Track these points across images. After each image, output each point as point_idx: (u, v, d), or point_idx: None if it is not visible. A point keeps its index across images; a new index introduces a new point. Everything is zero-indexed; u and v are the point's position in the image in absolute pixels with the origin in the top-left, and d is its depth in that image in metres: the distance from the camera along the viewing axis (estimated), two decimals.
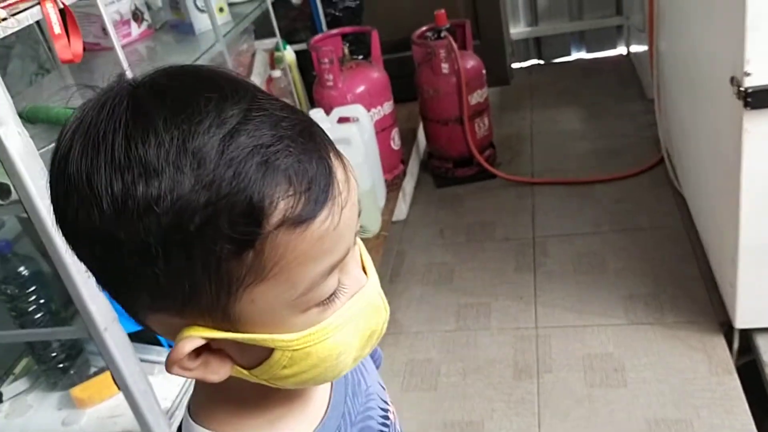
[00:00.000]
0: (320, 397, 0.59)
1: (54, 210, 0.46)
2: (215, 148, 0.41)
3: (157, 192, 0.41)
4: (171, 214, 0.41)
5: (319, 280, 0.46)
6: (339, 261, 0.47)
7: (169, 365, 0.47)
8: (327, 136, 0.48)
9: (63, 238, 0.46)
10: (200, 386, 0.56)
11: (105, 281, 0.47)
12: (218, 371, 0.49)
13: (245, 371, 0.50)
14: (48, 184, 0.46)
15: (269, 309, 0.46)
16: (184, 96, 0.43)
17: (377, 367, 0.76)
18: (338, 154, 0.48)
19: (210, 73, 0.47)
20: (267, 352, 0.48)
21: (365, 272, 0.53)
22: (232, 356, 0.49)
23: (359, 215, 0.50)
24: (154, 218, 0.41)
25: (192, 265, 0.43)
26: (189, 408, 0.56)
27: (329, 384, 0.60)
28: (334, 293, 0.48)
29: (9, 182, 1.20)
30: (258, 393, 0.53)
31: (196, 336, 0.46)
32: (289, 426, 0.56)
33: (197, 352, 0.47)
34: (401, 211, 2.65)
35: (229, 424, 0.54)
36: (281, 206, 0.43)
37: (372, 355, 0.75)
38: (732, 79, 1.52)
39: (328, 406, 0.59)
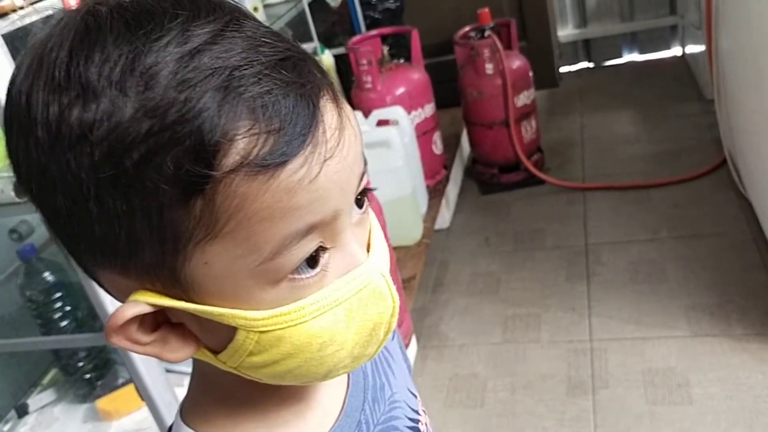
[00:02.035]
0: (332, 401, 0.50)
1: (5, 140, 0.39)
2: (169, 68, 0.34)
3: (92, 116, 0.33)
4: (105, 144, 0.33)
5: (288, 243, 0.37)
6: (318, 223, 0.38)
7: (108, 333, 0.39)
8: (326, 75, 0.39)
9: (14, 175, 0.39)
10: (194, 385, 0.49)
11: (51, 228, 0.39)
12: (177, 351, 0.41)
13: (211, 355, 0.41)
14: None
15: (228, 276, 0.37)
16: (149, 11, 0.35)
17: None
18: (336, 98, 0.39)
19: None
20: (232, 332, 0.39)
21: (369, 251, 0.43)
22: (195, 334, 0.41)
23: (362, 177, 0.40)
24: (87, 149, 0.34)
25: (129, 210, 0.35)
26: (181, 408, 0.48)
27: (344, 387, 0.51)
28: (317, 265, 0.39)
29: None
30: (255, 391, 0.45)
31: (141, 301, 0.38)
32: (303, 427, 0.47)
33: (154, 325, 0.40)
34: (444, 218, 2.54)
35: (221, 428, 0.46)
36: (240, 145, 0.34)
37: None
38: None
39: (340, 413, 0.49)
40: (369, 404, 0.52)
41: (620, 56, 3.60)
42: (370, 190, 0.44)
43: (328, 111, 0.37)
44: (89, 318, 1.61)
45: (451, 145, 2.82)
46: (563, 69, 3.57)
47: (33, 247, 1.52)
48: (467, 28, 2.64)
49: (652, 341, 1.82)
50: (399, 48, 2.74)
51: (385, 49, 2.53)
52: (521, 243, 2.38)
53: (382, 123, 2.25)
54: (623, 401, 1.67)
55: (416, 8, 3.09)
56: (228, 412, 0.46)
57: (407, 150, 2.21)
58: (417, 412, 0.58)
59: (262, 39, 0.36)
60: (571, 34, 3.58)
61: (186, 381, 1.52)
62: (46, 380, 1.75)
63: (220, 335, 0.40)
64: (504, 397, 1.78)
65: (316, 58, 1.93)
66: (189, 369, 1.46)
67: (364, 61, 2.34)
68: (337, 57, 2.80)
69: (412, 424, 0.55)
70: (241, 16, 0.37)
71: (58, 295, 1.53)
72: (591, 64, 3.65)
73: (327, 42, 2.86)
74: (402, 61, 2.64)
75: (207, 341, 0.41)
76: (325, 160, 0.36)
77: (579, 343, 1.88)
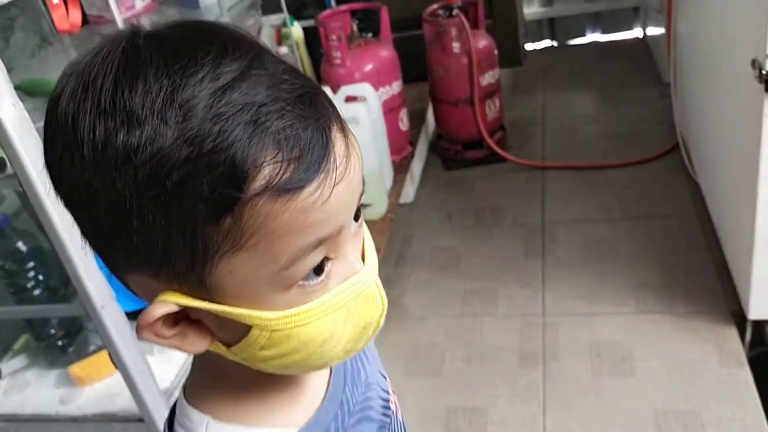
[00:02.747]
0: (318, 385, 0.56)
1: (44, 153, 0.43)
2: (204, 101, 0.39)
3: (137, 141, 0.38)
4: (148, 167, 0.39)
5: (301, 255, 0.43)
6: (326, 237, 0.44)
7: (139, 329, 0.44)
8: (335, 108, 0.45)
9: (51, 185, 0.44)
10: (197, 367, 0.54)
11: (86, 234, 0.44)
12: (195, 344, 0.47)
13: (224, 348, 0.47)
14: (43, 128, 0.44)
15: (248, 282, 0.43)
16: (182, 46, 0.41)
17: None
18: (343, 128, 0.45)
19: (216, 27, 0.44)
20: (246, 329, 0.45)
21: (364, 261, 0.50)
22: (211, 329, 0.47)
23: (361, 196, 0.46)
24: (130, 169, 0.39)
25: (167, 225, 0.40)
26: (184, 389, 0.54)
27: (327, 372, 0.58)
28: (323, 273, 0.45)
29: (4, 155, 1.17)
30: (255, 377, 0.51)
31: (170, 301, 0.44)
32: (285, 413, 0.53)
33: (175, 321, 0.45)
34: (408, 193, 2.61)
35: (224, 408, 0.51)
36: (266, 171, 0.40)
37: None
38: (753, 62, 1.47)
39: (325, 395, 0.56)
40: (349, 387, 0.58)
41: (584, 35, 3.68)
42: (365, 206, 0.51)
43: (338, 141, 0.43)
44: (61, 286, 1.64)
45: (417, 120, 2.88)
46: (528, 47, 3.63)
47: (6, 217, 1.55)
48: (435, 6, 2.68)
49: (600, 317, 1.93)
50: (368, 22, 2.77)
51: (355, 24, 2.56)
52: (482, 219, 2.46)
53: (350, 99, 2.29)
54: (571, 373, 1.78)
55: None
56: (229, 395, 0.51)
57: (374, 126, 2.26)
58: (387, 392, 0.65)
59: (283, 77, 0.42)
60: (537, 12, 3.64)
61: (155, 349, 1.58)
62: (17, 346, 1.78)
63: (235, 331, 0.46)
64: (460, 367, 1.88)
65: (285, 30, 1.99)
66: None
67: (334, 37, 2.37)
68: (306, 29, 2.82)
69: (384, 402, 0.63)
70: (261, 52, 0.43)
71: (30, 264, 1.56)
72: (555, 43, 3.72)
73: (296, 13, 2.88)
74: (371, 35, 2.67)
75: (222, 336, 0.47)
76: (335, 185, 0.42)
77: (532, 317, 1.99)
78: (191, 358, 0.53)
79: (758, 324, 1.73)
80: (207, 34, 0.42)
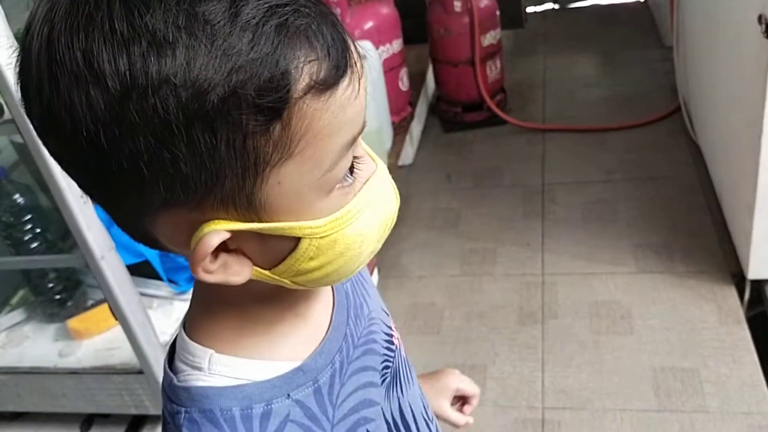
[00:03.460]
0: (321, 318, 0.55)
1: (34, 107, 0.39)
2: (227, 10, 0.37)
3: (172, 62, 0.36)
4: (190, 86, 0.37)
5: (339, 156, 0.43)
6: (358, 134, 0.44)
7: (194, 265, 0.43)
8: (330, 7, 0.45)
9: (46, 141, 0.41)
10: (198, 302, 0.52)
11: (105, 182, 0.41)
12: (239, 272, 0.45)
13: (266, 271, 0.46)
14: (19, 80, 0.40)
15: (295, 192, 0.43)
16: None
17: None
18: (344, 27, 0.44)
19: None
20: (292, 244, 0.45)
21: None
22: (250, 256, 0.46)
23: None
24: (171, 93, 0.37)
25: (216, 144, 0.39)
26: (184, 324, 0.52)
27: (330, 306, 0.57)
28: (352, 175, 0.46)
29: (2, 100, 1.15)
30: (259, 310, 0.50)
31: (220, 229, 0.42)
32: (289, 346, 0.52)
33: (214, 254, 0.44)
34: (408, 154, 2.59)
35: (227, 341, 0.49)
36: (305, 71, 0.39)
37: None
38: (760, 18, 1.45)
39: (329, 328, 0.55)
40: (352, 320, 0.58)
41: None
42: None
43: (347, 38, 0.43)
44: (58, 240, 1.63)
45: (417, 82, 2.85)
46: (529, 9, 3.59)
47: (3, 170, 1.53)
48: None
49: (599, 276, 1.93)
50: None
51: None
52: (481, 181, 2.45)
53: None
54: (570, 330, 1.78)
55: None
56: (232, 328, 0.50)
57: (374, 86, 2.24)
58: (390, 328, 0.65)
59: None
60: None
61: (155, 303, 1.58)
62: (14, 300, 1.77)
63: (278, 251, 0.45)
64: (459, 324, 1.88)
65: None
66: (158, 292, 1.51)
67: None
68: None
69: (387, 338, 0.62)
70: None
71: (28, 217, 1.55)
72: (556, 6, 3.68)
73: None
74: None
75: (263, 260, 0.46)
76: (359, 78, 0.43)
77: (531, 276, 1.99)
78: None
79: (757, 283, 1.73)
80: None
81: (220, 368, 0.49)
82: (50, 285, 1.68)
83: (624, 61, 3.00)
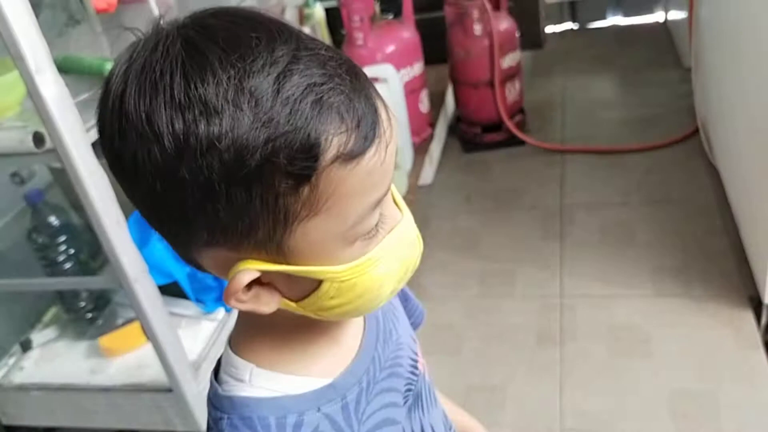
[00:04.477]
0: (352, 341, 0.61)
1: (107, 149, 0.47)
2: (271, 86, 0.43)
3: (219, 130, 0.42)
4: (232, 152, 0.43)
5: (365, 213, 0.49)
6: (383, 195, 0.50)
7: (227, 297, 0.50)
8: (367, 76, 0.50)
9: (116, 178, 0.48)
10: (242, 321, 0.59)
11: (161, 219, 0.49)
12: (268, 303, 0.51)
13: (293, 303, 0.52)
14: (98, 125, 0.47)
15: (320, 242, 0.48)
16: (234, 36, 0.44)
17: (418, 325, 0.78)
18: (378, 94, 0.50)
19: (252, 13, 0.47)
20: (315, 284, 0.51)
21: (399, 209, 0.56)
22: (280, 289, 0.52)
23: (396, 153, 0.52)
24: (216, 155, 0.43)
25: (251, 200, 0.45)
26: (230, 340, 0.58)
27: (361, 330, 0.62)
28: (376, 227, 0.51)
29: (44, 131, 1.20)
30: (297, 331, 0.56)
31: (252, 269, 0.49)
32: (322, 364, 0.58)
33: (248, 286, 0.50)
34: (428, 175, 2.63)
35: (266, 357, 0.56)
36: (335, 142, 0.44)
37: (413, 311, 0.78)
38: None
39: (359, 350, 0.61)
40: (380, 344, 0.63)
41: (604, 18, 3.67)
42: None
43: (380, 107, 0.48)
44: (90, 260, 1.68)
45: (437, 102, 2.90)
46: (548, 29, 3.63)
47: (39, 192, 1.59)
48: None
49: (618, 299, 1.95)
50: (390, 3, 2.78)
51: (377, 5, 2.57)
52: (500, 201, 2.48)
53: (371, 80, 2.31)
54: (588, 353, 1.81)
55: None
56: (272, 346, 0.56)
57: (395, 108, 2.27)
58: (416, 354, 0.69)
59: (325, 54, 0.46)
60: None
61: (183, 323, 1.62)
62: (47, 318, 1.83)
63: (304, 288, 0.51)
64: (478, 346, 1.91)
65: (308, 10, 2.00)
66: (187, 312, 1.56)
67: (357, 18, 2.39)
68: (328, 10, 2.83)
69: (412, 362, 0.67)
70: (297, 32, 0.47)
71: (62, 238, 1.60)
72: (575, 26, 3.71)
73: None
74: (392, 16, 2.69)
75: (291, 294, 0.52)
76: (386, 146, 0.48)
77: (550, 298, 2.01)
78: (218, 331, 0.58)
79: None
80: (247, 21, 0.46)
81: (260, 381, 0.55)
82: (82, 303, 1.74)
83: (643, 82, 3.03)
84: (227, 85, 0.42)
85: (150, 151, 0.44)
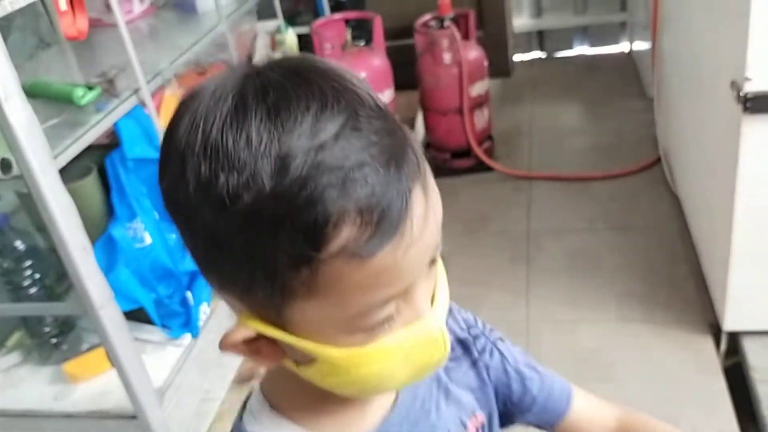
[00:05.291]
0: (377, 409, 0.58)
1: (159, 171, 0.48)
2: (299, 159, 0.41)
3: (234, 189, 0.42)
4: (241, 215, 0.42)
5: (370, 309, 0.46)
6: (396, 295, 0.46)
7: (223, 347, 0.50)
8: (421, 163, 0.46)
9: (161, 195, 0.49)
10: (276, 370, 0.57)
11: (188, 247, 0.49)
12: (269, 359, 0.51)
13: (293, 364, 0.51)
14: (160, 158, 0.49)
15: (317, 322, 0.46)
16: (285, 96, 0.43)
17: (561, 417, 0.73)
18: (426, 186, 0.46)
19: (322, 74, 0.45)
20: (312, 358, 0.49)
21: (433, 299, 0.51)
22: (283, 348, 0.51)
23: (437, 248, 0.49)
24: (226, 213, 0.43)
25: (252, 264, 0.44)
26: (261, 386, 0.58)
27: (392, 398, 0.59)
28: (384, 321, 0.47)
29: (11, 157, 1.20)
30: (311, 384, 0.53)
31: (250, 327, 0.49)
32: (334, 424, 0.56)
33: (253, 338, 0.50)
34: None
35: (282, 400, 0.56)
36: (344, 234, 0.42)
37: (550, 395, 0.73)
38: (732, 83, 1.53)
39: (381, 422, 0.58)
40: (409, 424, 0.59)
41: (571, 48, 3.75)
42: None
43: (417, 203, 0.44)
44: (56, 285, 1.67)
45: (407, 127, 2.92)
46: (516, 57, 3.70)
47: (5, 216, 1.58)
48: (428, 17, 2.73)
49: (583, 323, 1.99)
50: (361, 30, 2.82)
51: (348, 33, 2.61)
52: (468, 227, 2.51)
53: None
54: None
55: None
56: (290, 392, 0.56)
57: None
58: None
59: (374, 138, 0.43)
60: (526, 23, 3.70)
61: (149, 348, 1.63)
62: (11, 342, 1.80)
63: (306, 355, 0.49)
64: None
65: (280, 36, 2.00)
66: (152, 337, 1.55)
67: (328, 45, 2.42)
68: (300, 36, 2.86)
69: None
70: (359, 105, 0.44)
71: (28, 263, 1.59)
72: (543, 55, 3.79)
73: (291, 20, 2.91)
74: (363, 43, 2.72)
75: (292, 356, 0.51)
76: (408, 248, 0.44)
77: (517, 322, 2.04)
78: (184, 357, 0.58)
79: (733, 335, 1.79)
80: (311, 82, 0.44)
81: (267, 422, 0.56)
82: (46, 329, 1.72)
83: (608, 111, 3.10)
84: (257, 146, 0.42)
85: (179, 187, 0.44)
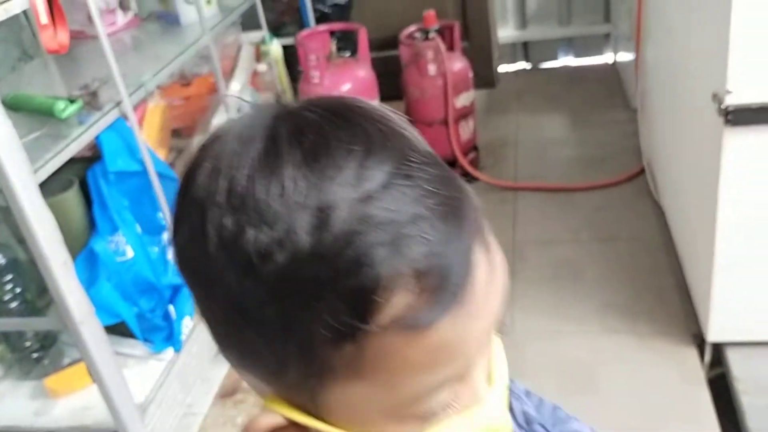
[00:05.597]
0: None
1: (173, 221, 0.42)
2: (342, 212, 0.35)
3: (265, 247, 0.35)
4: (273, 277, 0.36)
5: (426, 392, 0.38)
6: (455, 376, 0.39)
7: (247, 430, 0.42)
8: (479, 218, 0.40)
9: (175, 257, 0.42)
10: None
11: (203, 313, 0.42)
12: None
13: None
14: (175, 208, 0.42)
15: (361, 408, 0.39)
16: (324, 140, 0.37)
17: None
18: (486, 243, 0.40)
19: (364, 114, 0.40)
20: None
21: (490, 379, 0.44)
22: None
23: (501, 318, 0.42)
24: (254, 275, 0.36)
25: (285, 338, 0.37)
26: None
27: None
28: (443, 406, 0.40)
29: None
30: None
31: (278, 413, 0.41)
32: None
33: (282, 426, 0.42)
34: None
35: None
36: (396, 303, 0.35)
37: None
38: (714, 96, 1.54)
39: None
40: None
41: (556, 59, 3.78)
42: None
43: (480, 265, 0.38)
44: (37, 299, 1.66)
45: None
46: (502, 68, 3.72)
47: None
48: (412, 28, 2.74)
49: (566, 335, 1.99)
50: (346, 41, 2.83)
51: (333, 44, 2.61)
52: None
53: None
54: (536, 388, 1.82)
55: (364, 4, 3.18)
56: None
57: None
58: None
59: (428, 187, 0.37)
60: (511, 35, 3.72)
61: (130, 362, 1.61)
62: None
63: None
64: None
65: (265, 47, 1.98)
66: (134, 352, 1.54)
67: (313, 57, 2.42)
68: (285, 47, 2.86)
69: None
70: (409, 149, 0.39)
71: (8, 277, 1.58)
72: (528, 65, 3.81)
73: (275, 31, 2.92)
74: (348, 54, 2.73)
75: None
76: (471, 317, 0.37)
77: (502, 334, 2.04)
78: (166, 371, 0.51)
79: (717, 346, 1.80)
80: (353, 124, 0.38)
81: None
82: (27, 343, 1.71)
83: (593, 122, 3.11)
84: (290, 197, 0.35)
85: (198, 245, 0.38)
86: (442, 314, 0.36)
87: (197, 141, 2.35)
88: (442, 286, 0.36)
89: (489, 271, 0.39)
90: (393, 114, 0.42)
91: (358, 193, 0.35)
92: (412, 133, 0.41)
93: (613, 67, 3.59)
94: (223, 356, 0.43)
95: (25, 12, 2.02)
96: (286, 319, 0.36)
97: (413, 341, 0.36)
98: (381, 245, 0.35)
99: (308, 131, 0.37)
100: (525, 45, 3.78)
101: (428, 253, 0.35)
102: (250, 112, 0.40)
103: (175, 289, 1.70)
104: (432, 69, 2.61)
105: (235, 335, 0.39)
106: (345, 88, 2.47)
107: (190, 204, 0.39)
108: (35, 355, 1.71)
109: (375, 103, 0.42)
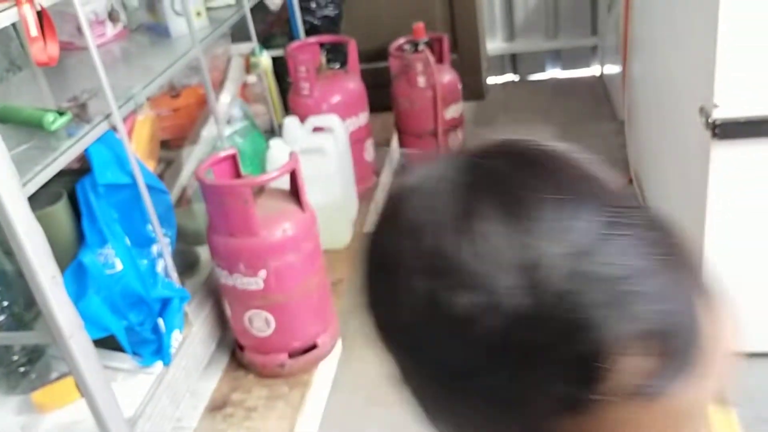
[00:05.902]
0: None
1: (365, 286, 0.40)
2: (555, 270, 0.32)
3: (472, 310, 0.32)
4: (483, 344, 0.33)
5: None
6: None
7: None
8: (701, 269, 0.36)
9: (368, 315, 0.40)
10: None
11: (406, 384, 0.40)
12: None
13: None
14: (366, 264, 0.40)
15: None
16: (522, 191, 0.34)
17: None
18: (707, 294, 0.35)
19: (558, 159, 0.38)
20: None
21: None
22: None
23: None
24: (461, 343, 0.34)
25: (492, 410, 0.35)
26: None
27: None
28: None
29: None
30: None
31: None
32: None
33: None
34: (373, 222, 2.65)
35: None
36: (624, 368, 0.32)
37: None
38: (701, 110, 1.55)
39: None
40: None
41: (544, 71, 3.80)
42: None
43: (706, 318, 0.34)
44: (24, 312, 1.64)
45: (382, 149, 2.94)
46: (490, 80, 3.74)
47: None
48: (402, 40, 2.75)
49: None
50: (336, 53, 2.83)
51: (323, 56, 2.62)
52: None
53: (317, 129, 2.34)
54: None
55: (354, 16, 3.19)
56: None
57: (341, 157, 2.31)
58: None
59: (650, 234, 0.34)
60: (499, 47, 3.75)
61: (120, 376, 1.59)
62: None
63: None
64: None
65: (254, 59, 1.97)
66: (123, 365, 1.53)
67: (303, 69, 2.42)
68: (274, 59, 2.86)
69: None
70: (614, 198, 0.36)
71: None
72: (516, 77, 3.83)
73: (265, 43, 2.92)
74: (338, 66, 2.73)
75: None
76: (707, 380, 0.34)
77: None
78: (155, 385, 0.49)
79: None
80: (549, 170, 0.36)
81: None
82: (14, 357, 1.69)
83: (580, 133, 3.13)
84: (495, 256, 0.32)
85: (394, 308, 0.36)
86: (675, 379, 0.33)
87: (186, 152, 2.34)
88: (672, 346, 0.32)
89: (713, 323, 0.35)
90: (581, 155, 0.39)
91: (569, 248, 0.32)
92: (601, 171, 0.38)
93: (601, 80, 3.62)
94: (434, 427, 0.40)
95: (13, 24, 2.03)
96: (494, 391, 0.34)
97: (643, 411, 0.32)
98: (602, 305, 0.31)
99: (502, 182, 0.35)
100: (513, 57, 3.80)
101: (655, 312, 0.32)
102: (431, 164, 0.38)
103: (164, 303, 1.69)
104: (421, 81, 2.63)
105: (434, 401, 0.38)
106: (335, 100, 2.48)
107: (381, 268, 0.37)
108: (22, 369, 1.69)
109: (559, 143, 0.39)
